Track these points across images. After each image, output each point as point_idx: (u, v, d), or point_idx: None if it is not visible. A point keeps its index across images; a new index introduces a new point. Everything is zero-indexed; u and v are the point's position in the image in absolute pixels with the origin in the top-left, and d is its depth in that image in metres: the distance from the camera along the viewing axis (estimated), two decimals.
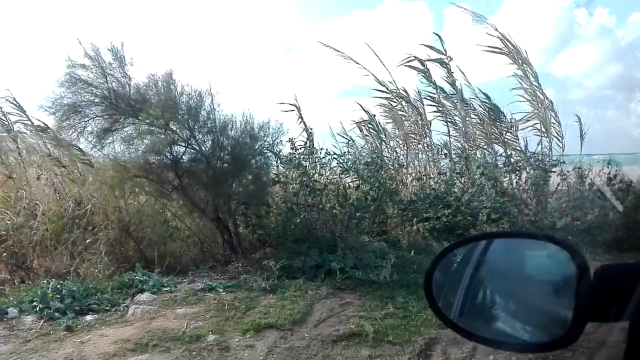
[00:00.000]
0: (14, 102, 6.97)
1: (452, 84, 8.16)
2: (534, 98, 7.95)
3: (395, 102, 8.36)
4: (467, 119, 8.19)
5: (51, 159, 6.53)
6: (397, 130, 8.39)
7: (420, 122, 8.24)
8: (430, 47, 8.20)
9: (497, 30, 7.91)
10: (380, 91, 8.32)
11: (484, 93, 8.13)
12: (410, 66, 8.26)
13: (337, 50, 8.19)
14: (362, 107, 8.50)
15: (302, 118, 7.51)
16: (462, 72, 8.18)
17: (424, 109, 8.34)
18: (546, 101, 7.88)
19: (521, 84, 8.00)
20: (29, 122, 7.01)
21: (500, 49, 7.97)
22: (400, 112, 8.36)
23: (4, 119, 6.96)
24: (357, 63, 8.18)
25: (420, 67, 8.22)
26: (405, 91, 8.38)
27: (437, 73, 8.29)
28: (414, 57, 8.20)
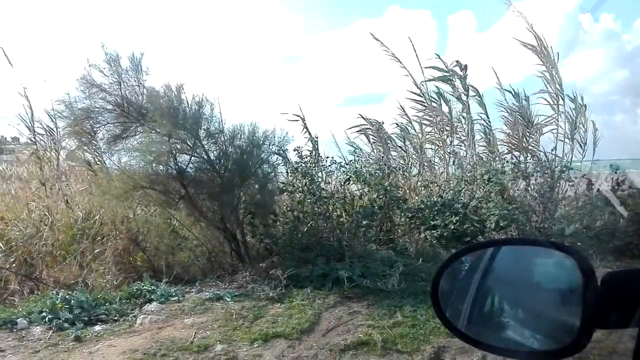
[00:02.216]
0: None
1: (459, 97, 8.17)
2: (555, 102, 7.94)
3: (426, 104, 8.34)
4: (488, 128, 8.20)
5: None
6: (420, 135, 8.36)
7: (447, 127, 8.21)
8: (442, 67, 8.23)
9: (532, 29, 7.92)
10: (415, 93, 8.33)
11: (514, 92, 8.13)
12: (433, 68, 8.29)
13: (384, 45, 8.24)
14: (362, 116, 8.52)
15: (306, 127, 7.54)
16: (496, 75, 8.21)
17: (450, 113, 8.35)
18: (570, 106, 7.89)
19: (547, 87, 7.99)
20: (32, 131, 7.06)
21: (533, 46, 7.96)
22: (427, 117, 8.34)
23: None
24: (399, 62, 8.20)
25: (443, 72, 8.24)
26: (439, 93, 8.37)
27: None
28: (437, 68, 8.23)
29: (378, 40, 8.27)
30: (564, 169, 7.04)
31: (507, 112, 8.21)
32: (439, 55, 8.27)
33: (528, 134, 8.00)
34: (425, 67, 8.25)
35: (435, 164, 8.25)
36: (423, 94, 8.28)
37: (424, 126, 8.41)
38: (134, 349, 3.57)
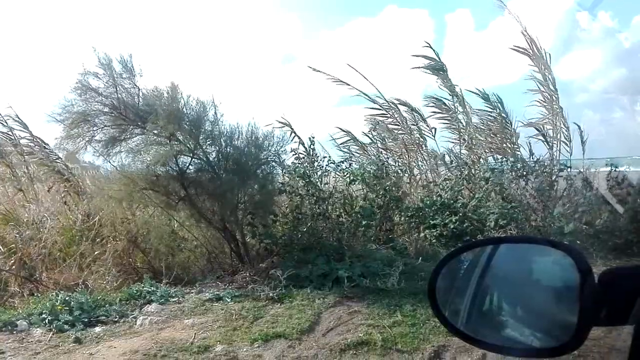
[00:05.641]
0: (17, 119, 7.15)
1: (452, 89, 8.17)
2: (549, 104, 7.94)
3: (387, 115, 8.34)
4: (471, 127, 8.21)
5: (55, 172, 6.62)
6: (394, 141, 8.37)
7: (415, 132, 8.23)
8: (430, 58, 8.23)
9: (526, 32, 7.91)
10: (372, 108, 8.34)
11: (498, 97, 8.15)
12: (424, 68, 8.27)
13: (326, 74, 8.27)
14: (342, 129, 8.47)
15: (294, 132, 7.51)
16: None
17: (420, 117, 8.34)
18: (556, 107, 7.88)
19: (539, 88, 7.99)
20: (30, 138, 7.16)
21: (525, 49, 7.97)
22: (392, 125, 8.35)
23: (10, 134, 7.07)
24: (347, 84, 8.18)
25: (434, 69, 8.23)
26: (398, 103, 8.34)
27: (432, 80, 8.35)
28: (427, 57, 8.23)
29: (318, 71, 8.33)
30: (562, 167, 7.04)
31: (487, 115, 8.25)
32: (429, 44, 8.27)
33: (504, 137, 8.04)
34: (415, 56, 8.27)
35: (419, 166, 8.25)
36: (381, 106, 8.27)
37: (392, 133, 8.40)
38: (134, 350, 3.57)
